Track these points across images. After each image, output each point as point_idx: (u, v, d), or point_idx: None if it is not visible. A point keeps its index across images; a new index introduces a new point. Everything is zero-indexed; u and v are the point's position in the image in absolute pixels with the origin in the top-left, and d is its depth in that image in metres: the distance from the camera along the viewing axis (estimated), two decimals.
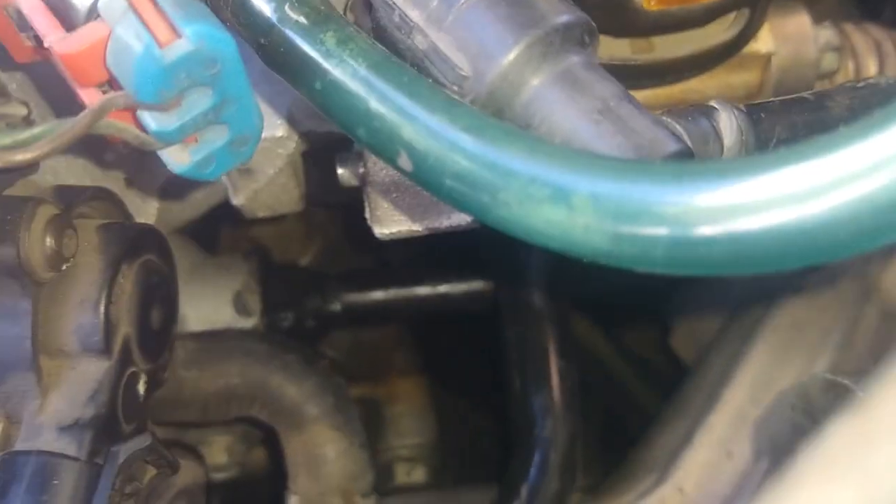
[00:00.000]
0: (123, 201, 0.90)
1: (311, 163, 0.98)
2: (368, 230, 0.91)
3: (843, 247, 0.42)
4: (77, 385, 0.72)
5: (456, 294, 1.30)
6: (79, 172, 0.94)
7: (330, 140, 0.92)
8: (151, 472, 0.74)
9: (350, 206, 0.92)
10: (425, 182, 0.53)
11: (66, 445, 0.69)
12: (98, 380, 0.72)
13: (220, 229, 1.50)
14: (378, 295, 1.30)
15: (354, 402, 1.45)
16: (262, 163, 0.93)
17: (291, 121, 0.91)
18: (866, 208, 0.40)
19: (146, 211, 1.01)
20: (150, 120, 0.54)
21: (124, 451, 0.70)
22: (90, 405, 0.71)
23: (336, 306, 1.29)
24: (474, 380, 1.44)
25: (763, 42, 0.88)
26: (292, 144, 0.92)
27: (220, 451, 1.30)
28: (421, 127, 0.52)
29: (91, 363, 0.72)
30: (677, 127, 0.57)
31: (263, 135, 0.91)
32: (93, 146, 0.94)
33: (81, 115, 0.51)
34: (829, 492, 0.22)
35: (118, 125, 0.53)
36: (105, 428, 0.71)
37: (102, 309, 0.72)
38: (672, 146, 0.53)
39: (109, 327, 0.73)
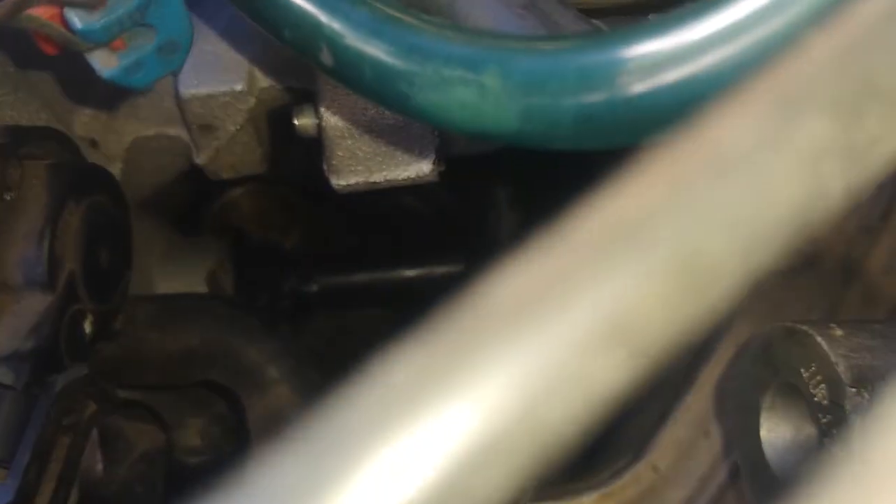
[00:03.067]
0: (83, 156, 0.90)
1: (275, 124, 0.98)
2: (349, 217, 0.91)
3: None
4: (18, 318, 0.71)
5: (436, 276, 1.29)
6: None
7: (290, 96, 0.92)
8: (92, 407, 0.73)
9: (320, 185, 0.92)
10: (347, 77, 0.53)
11: (2, 375, 0.68)
12: (40, 314, 0.71)
13: (200, 217, 1.51)
14: (354, 277, 1.30)
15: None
16: (223, 119, 0.93)
17: (252, 76, 0.92)
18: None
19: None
20: (76, 18, 0.54)
21: (60, 380, 0.69)
22: (30, 338, 0.70)
23: (312, 287, 1.28)
24: None
25: None
26: (252, 100, 0.92)
27: (194, 434, 1.29)
28: (340, 20, 0.52)
29: (34, 297, 0.72)
30: (605, 27, 0.57)
31: (223, 89, 0.92)
32: (58, 99, 0.95)
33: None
34: None
35: (40, 20, 0.53)
36: (45, 361, 0.70)
37: (47, 243, 0.72)
38: None
39: (54, 261, 0.72)
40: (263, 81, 0.91)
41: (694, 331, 0.21)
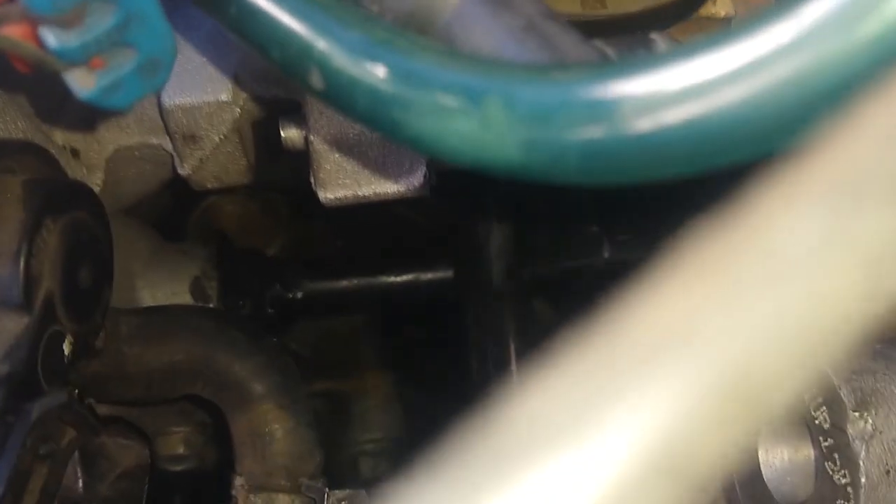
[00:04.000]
0: (64, 166, 0.87)
1: (260, 134, 0.95)
2: (333, 222, 0.88)
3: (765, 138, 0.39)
4: None
5: (420, 283, 1.27)
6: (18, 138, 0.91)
7: (276, 106, 0.89)
8: (71, 434, 0.70)
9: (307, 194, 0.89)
10: (338, 101, 0.51)
11: None
12: (16, 336, 0.69)
13: (186, 221, 1.48)
14: (340, 283, 1.27)
15: (318, 395, 1.42)
16: (207, 129, 0.90)
17: (237, 86, 0.89)
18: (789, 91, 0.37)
19: (92, 182, 0.97)
20: (51, 37, 0.51)
21: (37, 408, 0.66)
22: (6, 362, 0.67)
23: (297, 294, 1.25)
24: (442, 374, 1.41)
25: (721, 5, 0.86)
26: (237, 110, 0.89)
27: (177, 443, 1.26)
28: (331, 42, 0.49)
29: (9, 319, 0.69)
30: (608, 49, 0.55)
31: (207, 99, 0.89)
32: (38, 106, 0.92)
33: None
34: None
35: (13, 41, 0.50)
36: (22, 386, 0.68)
37: (22, 262, 0.69)
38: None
39: (30, 281, 0.69)
40: (249, 91, 0.88)
41: (743, 454, 0.19)
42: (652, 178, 0.42)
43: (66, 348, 0.73)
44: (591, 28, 0.78)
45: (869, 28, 0.36)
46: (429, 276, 1.25)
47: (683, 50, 0.40)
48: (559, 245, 1.18)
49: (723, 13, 0.86)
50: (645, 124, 0.40)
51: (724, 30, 0.39)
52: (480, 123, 0.44)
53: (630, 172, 0.42)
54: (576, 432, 0.18)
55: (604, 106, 0.41)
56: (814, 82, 0.37)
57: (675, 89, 0.39)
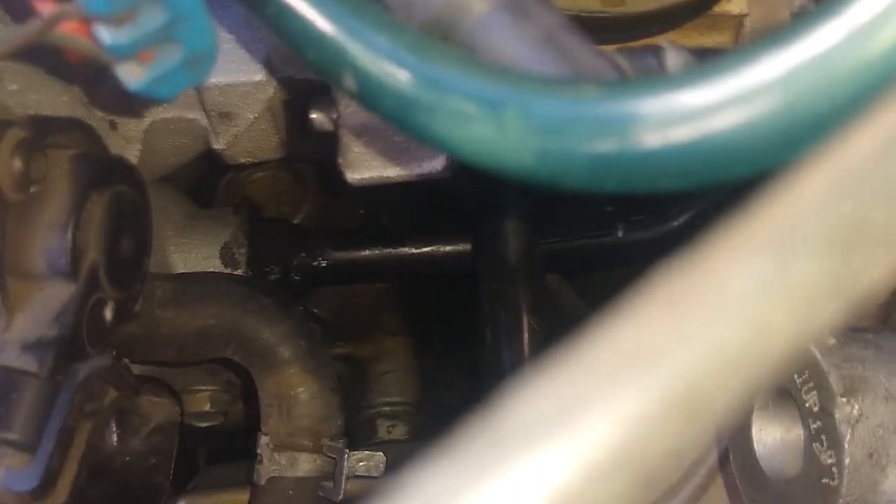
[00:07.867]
0: (103, 138, 0.92)
1: (292, 113, 1.00)
2: (359, 192, 0.92)
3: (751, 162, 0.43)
4: (42, 306, 0.74)
5: (441, 254, 1.31)
6: (62, 111, 0.95)
7: (307, 87, 0.93)
8: (113, 394, 0.76)
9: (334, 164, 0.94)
10: (369, 102, 0.55)
11: (27, 362, 0.71)
12: (64, 302, 0.74)
13: (217, 189, 1.53)
14: (363, 252, 1.32)
15: (338, 358, 1.48)
16: (242, 107, 0.94)
17: (270, 67, 0.93)
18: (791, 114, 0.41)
19: (129, 153, 1.02)
20: (105, 34, 0.56)
21: (84, 369, 0.72)
22: (54, 326, 0.73)
23: (322, 262, 1.30)
24: (459, 341, 1.46)
25: (736, 3, 0.89)
26: (271, 90, 0.93)
27: (204, 400, 1.32)
28: (363, 47, 0.53)
29: (57, 286, 0.74)
30: (621, 60, 0.58)
31: (242, 79, 0.93)
32: (80, 81, 0.96)
33: (32, 22, 0.53)
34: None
35: (71, 37, 0.55)
36: (68, 349, 0.73)
37: (70, 233, 0.74)
38: (612, 77, 0.54)
39: (77, 252, 0.75)
40: (282, 72, 0.92)
41: (689, 454, 0.23)
42: (659, 190, 0.46)
43: (108, 314, 0.78)
44: (608, 24, 0.82)
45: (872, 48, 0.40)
46: (448, 248, 1.30)
47: (694, 73, 0.43)
48: (575, 223, 1.22)
49: (736, 10, 0.89)
50: (653, 141, 0.44)
51: (731, 53, 0.43)
52: (497, 131, 0.49)
53: (638, 184, 0.46)
54: (549, 433, 0.22)
55: (615, 123, 0.45)
56: (813, 107, 0.41)
57: (685, 110, 0.43)
